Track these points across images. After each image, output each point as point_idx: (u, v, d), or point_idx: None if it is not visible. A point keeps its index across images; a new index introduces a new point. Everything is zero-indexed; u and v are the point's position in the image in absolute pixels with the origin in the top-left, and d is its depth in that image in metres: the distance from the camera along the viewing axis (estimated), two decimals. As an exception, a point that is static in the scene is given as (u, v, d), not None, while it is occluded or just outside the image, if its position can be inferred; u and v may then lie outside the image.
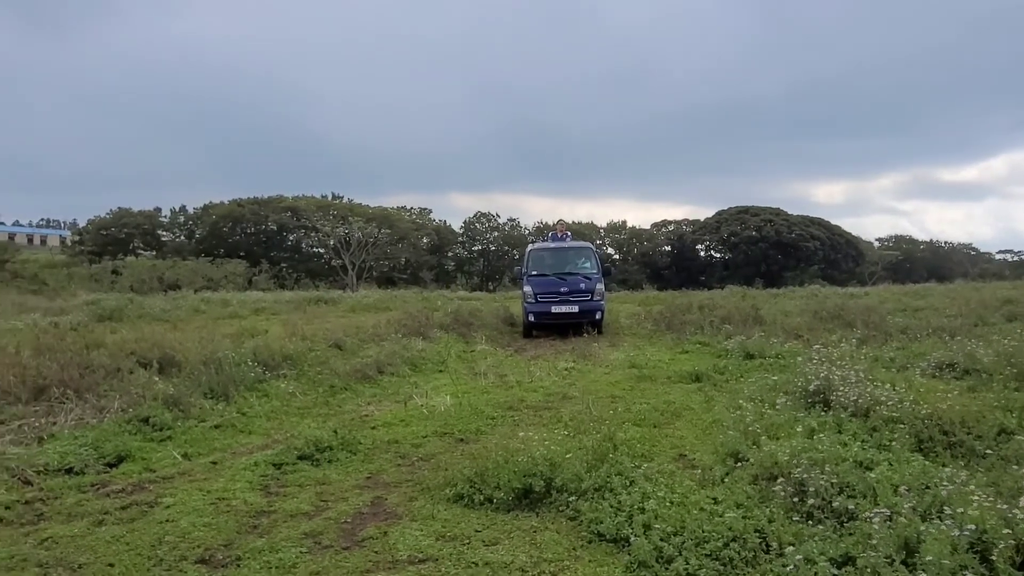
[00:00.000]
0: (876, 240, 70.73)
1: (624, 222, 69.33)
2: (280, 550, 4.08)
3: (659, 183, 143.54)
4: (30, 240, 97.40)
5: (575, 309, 14.56)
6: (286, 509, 4.79)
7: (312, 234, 57.51)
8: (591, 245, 16.40)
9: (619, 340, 14.24)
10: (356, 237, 53.32)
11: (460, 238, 72.44)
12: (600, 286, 14.94)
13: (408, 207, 73.50)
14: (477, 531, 4.33)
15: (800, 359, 8.72)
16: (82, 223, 63.07)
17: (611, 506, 4.38)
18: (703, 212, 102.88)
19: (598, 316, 14.75)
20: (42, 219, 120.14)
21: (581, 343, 13.20)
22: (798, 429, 5.52)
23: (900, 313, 15.77)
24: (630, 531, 4.03)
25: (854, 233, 61.49)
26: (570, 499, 4.59)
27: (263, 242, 58.41)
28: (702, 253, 64.91)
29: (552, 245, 16.85)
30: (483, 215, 72.65)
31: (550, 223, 72.56)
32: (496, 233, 72.83)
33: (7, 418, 6.68)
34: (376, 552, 4.05)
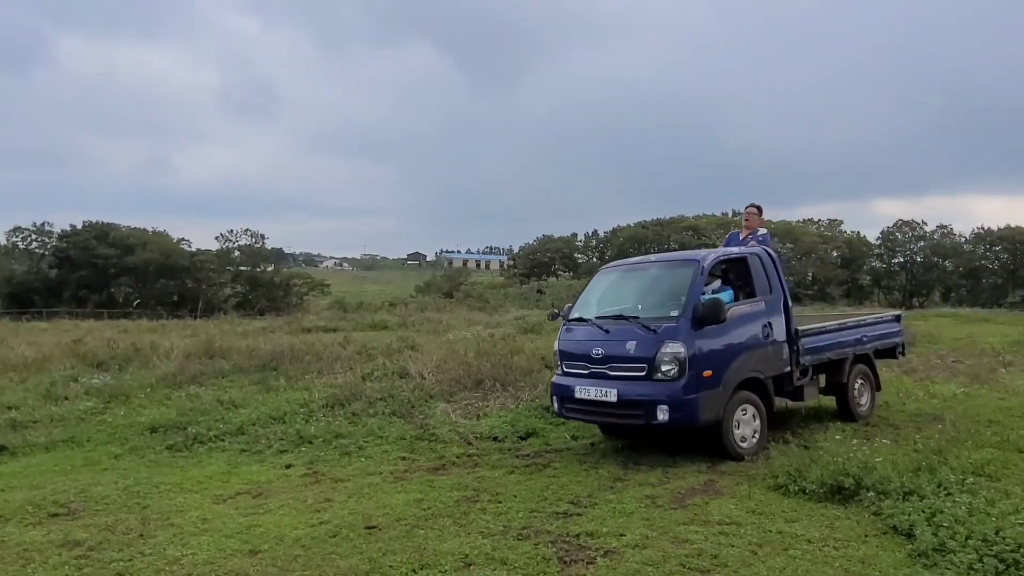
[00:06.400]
0: None
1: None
2: (624, 503, 5.46)
3: None
4: (478, 265, 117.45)
5: (611, 396, 6.71)
6: (636, 479, 6.15)
7: (713, 252, 58.75)
8: (701, 260, 7.14)
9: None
10: (757, 253, 53.01)
11: (876, 250, 66.61)
12: (677, 348, 6.47)
13: (815, 219, 70.17)
14: (783, 511, 5.12)
15: None
16: (516, 249, 74.36)
17: (912, 507, 4.76)
18: None
19: (662, 416, 6.43)
20: (487, 247, 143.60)
21: (980, 365, 12.02)
22: None
23: None
24: (923, 528, 4.42)
25: None
26: (875, 497, 5.06)
27: (665, 261, 61.50)
28: None
29: (629, 262, 8.70)
30: (905, 223, 65.76)
31: (994, 228, 61.91)
32: (922, 243, 65.19)
33: (458, 399, 9.36)
34: (695, 514, 5.15)
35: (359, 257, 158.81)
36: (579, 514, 5.24)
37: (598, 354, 6.95)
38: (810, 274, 61.06)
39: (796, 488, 5.50)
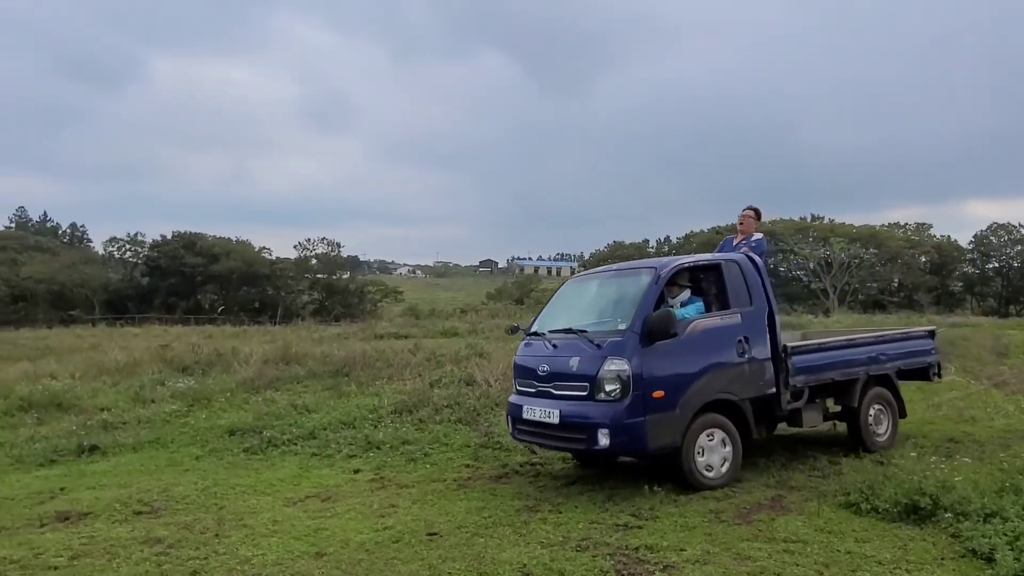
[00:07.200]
0: None
1: None
2: (686, 516, 5.37)
3: None
4: (548, 272, 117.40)
5: (554, 417, 6.22)
6: (700, 493, 6.02)
7: (790, 257, 57.15)
8: (659, 268, 6.57)
9: None
10: (838, 259, 51.32)
11: (969, 255, 63.39)
12: (621, 365, 5.90)
13: (901, 223, 67.33)
14: (854, 531, 4.94)
15: None
16: (587, 256, 74.21)
17: (994, 529, 4.52)
18: None
19: (603, 441, 5.85)
20: (558, 253, 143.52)
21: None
22: None
23: None
24: (1005, 552, 4.19)
25: None
26: (953, 518, 4.82)
27: (740, 268, 60.01)
28: None
29: (595, 271, 8.10)
30: (1000, 226, 62.37)
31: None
32: (1019, 247, 61.63)
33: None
34: (759, 530, 5.03)
35: (432, 264, 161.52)
36: (639, 527, 5.19)
37: (544, 371, 6.48)
38: (896, 281, 58.56)
39: (868, 506, 5.30)
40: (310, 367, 13.11)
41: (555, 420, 6.21)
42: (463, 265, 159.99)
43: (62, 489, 7.01)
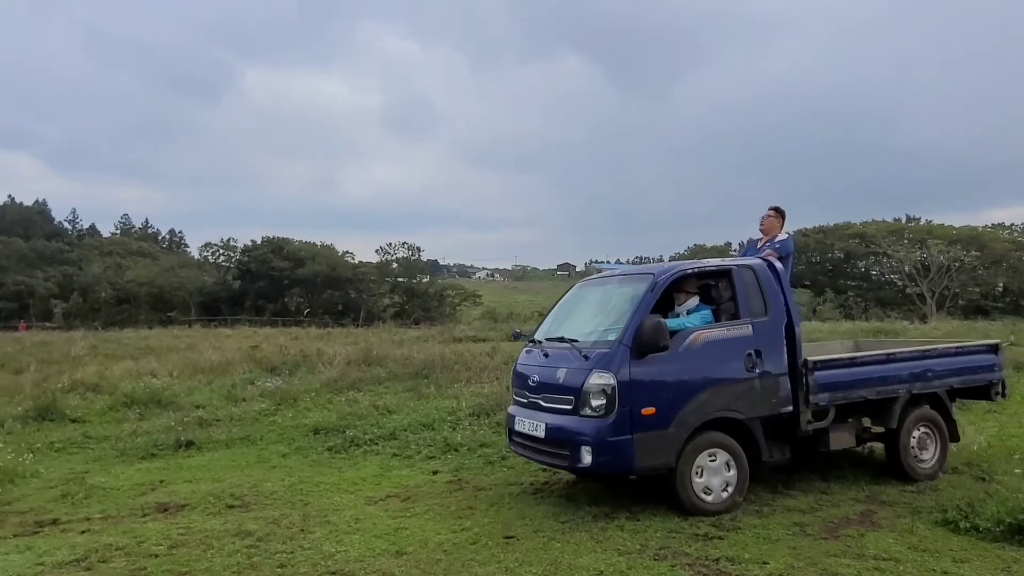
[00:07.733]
0: None
1: None
2: (770, 528, 5.23)
3: None
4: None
5: (540, 430, 5.95)
6: (785, 504, 5.86)
7: (883, 260, 54.67)
8: (657, 274, 6.08)
9: None
10: (936, 262, 48.77)
11: (1084, 257, 59.08)
12: (606, 378, 5.51)
13: (1007, 223, 63.36)
14: (951, 550, 4.69)
15: None
16: (666, 259, 72.99)
17: (1110, 554, 4.20)
18: None
19: (586, 459, 5.52)
20: (636, 257, 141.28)
21: None
22: None
23: None
24: (1123, 580, 3.89)
25: None
26: (1064, 541, 4.51)
27: (828, 271, 58.09)
28: None
29: (600, 276, 7.50)
30: (1124, 226, 57.91)
31: None
32: None
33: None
34: (848, 546, 4.84)
35: (510, 268, 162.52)
36: (720, 538, 5.08)
37: (534, 381, 6.18)
38: (1001, 285, 55.11)
39: (967, 525, 5.02)
40: (391, 369, 13.42)
41: (541, 434, 5.94)
42: (541, 268, 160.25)
43: (161, 482, 7.41)
